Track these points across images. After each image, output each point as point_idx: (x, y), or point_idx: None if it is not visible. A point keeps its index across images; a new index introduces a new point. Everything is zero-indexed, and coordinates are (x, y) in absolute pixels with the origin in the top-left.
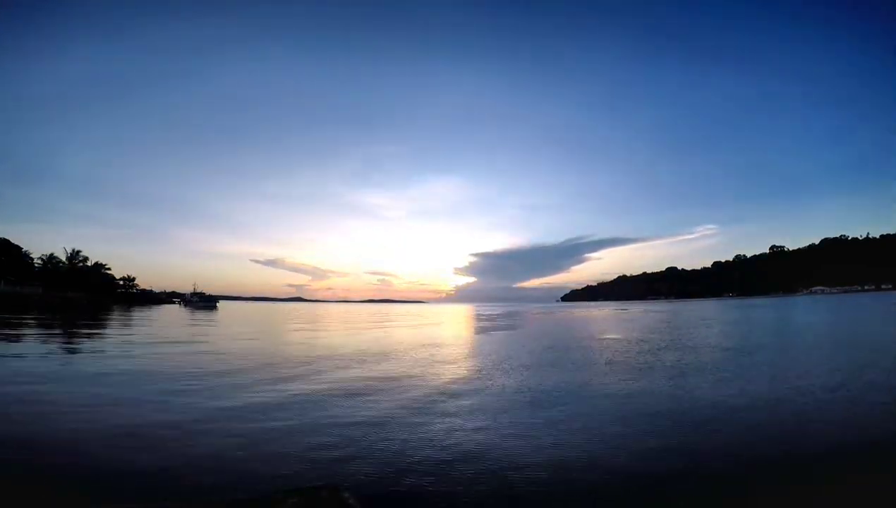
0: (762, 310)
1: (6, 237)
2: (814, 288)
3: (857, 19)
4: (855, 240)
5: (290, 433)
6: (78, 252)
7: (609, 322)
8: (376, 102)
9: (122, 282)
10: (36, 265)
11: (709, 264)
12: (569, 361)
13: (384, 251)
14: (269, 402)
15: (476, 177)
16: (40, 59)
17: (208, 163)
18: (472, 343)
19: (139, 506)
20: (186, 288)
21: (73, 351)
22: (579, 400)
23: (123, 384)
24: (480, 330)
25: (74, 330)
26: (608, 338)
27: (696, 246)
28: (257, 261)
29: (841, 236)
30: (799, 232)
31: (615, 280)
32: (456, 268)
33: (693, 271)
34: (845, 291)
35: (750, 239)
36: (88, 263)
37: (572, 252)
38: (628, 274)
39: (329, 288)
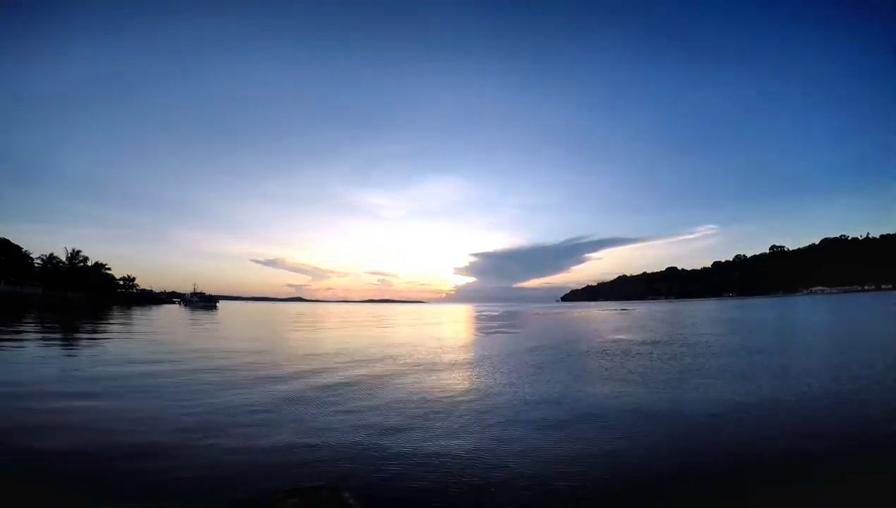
0: (762, 310)
1: (6, 237)
2: (814, 289)
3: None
4: (855, 240)
5: (291, 434)
6: (78, 252)
7: (611, 323)
8: (376, 102)
9: (122, 282)
10: (36, 265)
11: (709, 264)
12: (569, 363)
13: (384, 251)
14: (273, 402)
15: (476, 177)
16: (40, 59)
17: (208, 163)
18: (472, 345)
19: (139, 506)
20: (186, 288)
21: (73, 352)
22: (582, 405)
23: (124, 384)
24: (480, 332)
25: (74, 330)
26: (611, 340)
27: (696, 246)
28: (257, 261)
29: (841, 236)
30: (799, 232)
31: (615, 280)
32: (456, 268)
33: (693, 271)
34: (845, 291)
35: (750, 239)
36: (88, 263)
37: (572, 252)
38: (628, 274)
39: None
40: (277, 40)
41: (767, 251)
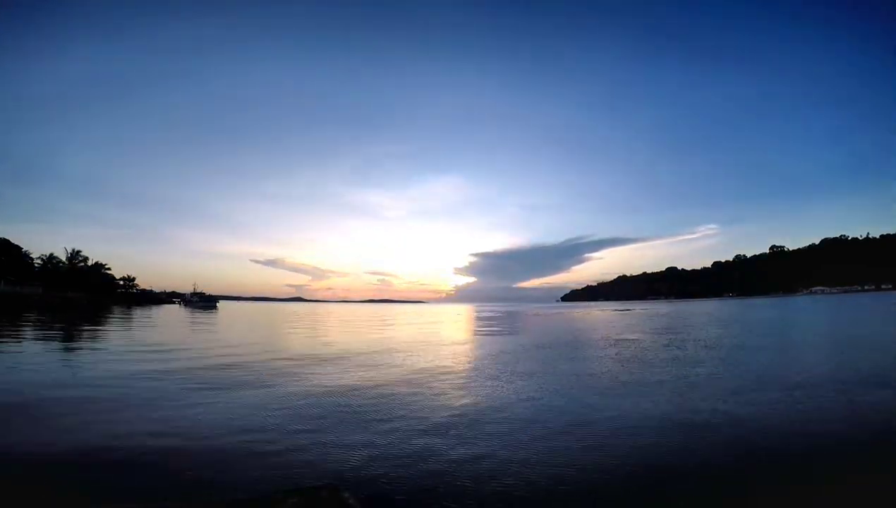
0: (763, 310)
1: (6, 237)
2: (814, 288)
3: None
4: (855, 240)
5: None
6: (78, 252)
7: (614, 324)
8: (376, 102)
9: (122, 282)
10: (36, 265)
11: (709, 264)
12: (570, 363)
13: (384, 251)
14: (278, 402)
15: (476, 177)
16: (40, 59)
17: (208, 163)
18: (473, 347)
19: (139, 506)
20: (186, 288)
21: (74, 353)
22: (582, 405)
23: (124, 384)
24: (480, 333)
25: (75, 331)
26: (615, 342)
27: (697, 246)
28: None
29: (841, 236)
30: (799, 232)
31: (615, 280)
32: (456, 268)
33: (693, 271)
34: (845, 291)
35: (750, 239)
36: (88, 263)
37: (572, 252)
38: (628, 274)
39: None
40: (277, 40)
41: (767, 251)
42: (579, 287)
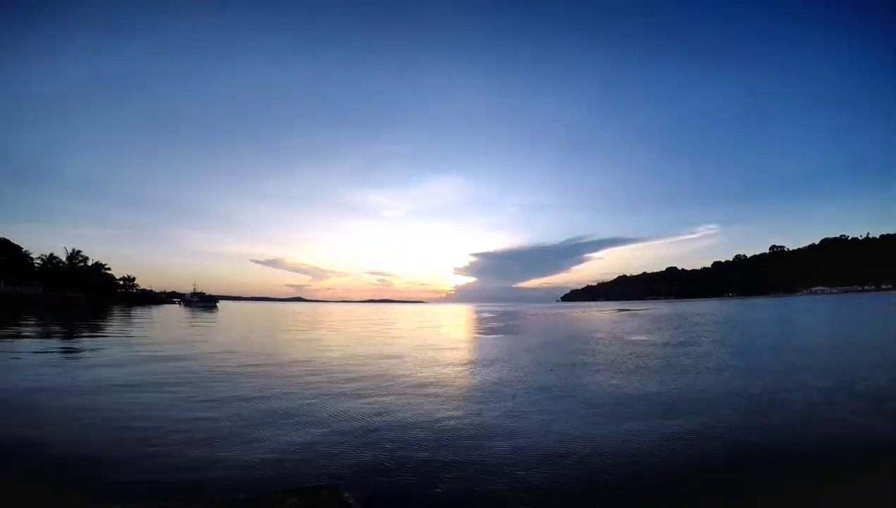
0: (763, 310)
1: (6, 237)
2: (814, 288)
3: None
4: (855, 240)
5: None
6: (78, 252)
7: (617, 325)
8: (376, 102)
9: (122, 282)
10: (36, 265)
11: (709, 264)
12: (571, 362)
13: (384, 251)
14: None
15: (476, 177)
16: (40, 59)
17: (208, 163)
18: (474, 349)
19: (139, 506)
20: (186, 288)
21: (73, 352)
22: (580, 400)
23: (124, 384)
24: (482, 334)
25: (75, 331)
26: (620, 343)
27: (697, 246)
28: (257, 261)
29: (841, 236)
30: (799, 232)
31: (615, 280)
32: (456, 268)
33: (693, 271)
34: (845, 291)
35: (750, 239)
36: (88, 263)
37: (572, 252)
38: (628, 274)
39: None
40: (277, 40)
41: (767, 251)
42: (579, 287)
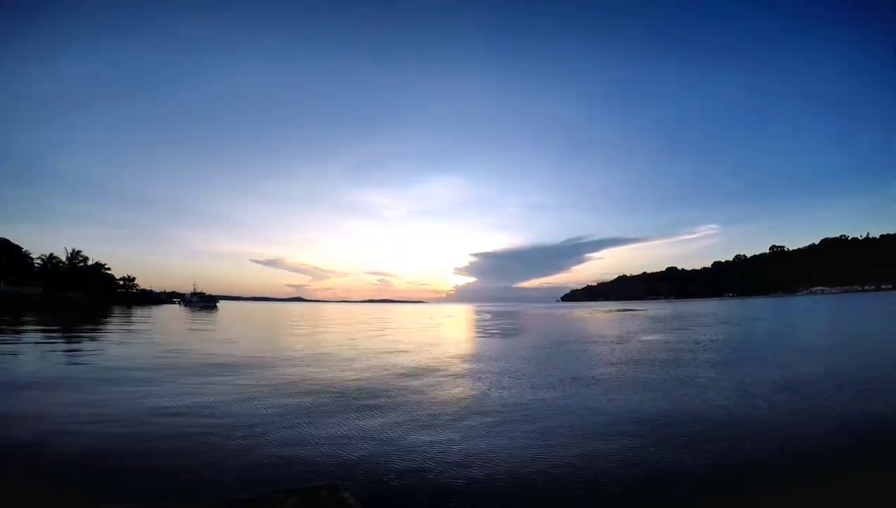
0: (763, 310)
1: (6, 237)
2: (814, 288)
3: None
4: (855, 240)
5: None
6: (78, 252)
7: (620, 326)
8: (376, 102)
9: (122, 282)
10: (36, 265)
11: (709, 264)
12: (562, 358)
13: (384, 251)
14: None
15: (476, 177)
16: (40, 59)
17: (208, 163)
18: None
19: (139, 506)
20: (186, 288)
21: (73, 353)
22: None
23: (124, 384)
24: (483, 334)
25: (73, 331)
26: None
27: (697, 246)
28: (257, 261)
29: (841, 236)
30: (799, 232)
31: (615, 280)
32: (456, 268)
33: (693, 271)
34: (845, 291)
35: (750, 239)
36: (88, 263)
37: (572, 252)
38: (628, 274)
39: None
40: (278, 40)
41: (767, 251)
42: (579, 287)
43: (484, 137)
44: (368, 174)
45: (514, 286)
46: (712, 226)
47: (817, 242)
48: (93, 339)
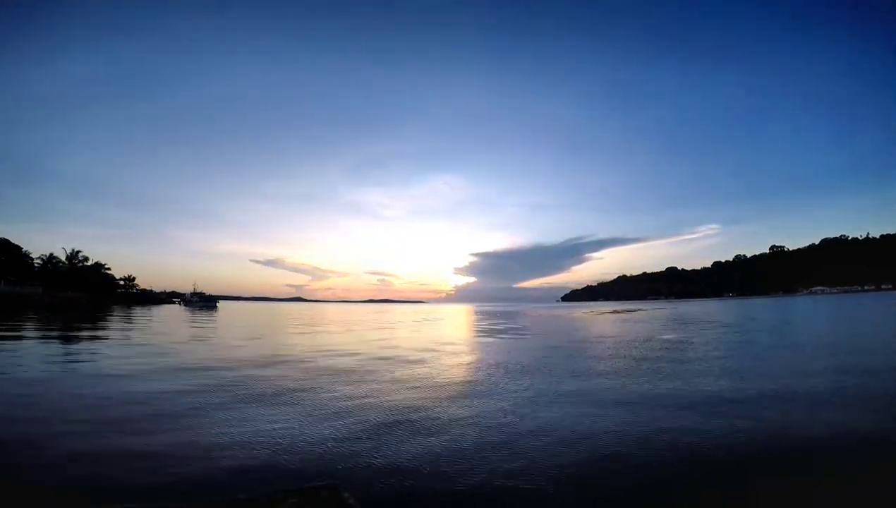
0: (763, 309)
1: (6, 237)
2: (814, 288)
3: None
4: (855, 240)
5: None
6: (78, 252)
7: (624, 325)
8: (376, 102)
9: (122, 282)
10: (36, 265)
11: (709, 264)
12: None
13: (384, 251)
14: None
15: (476, 177)
16: (40, 59)
17: (208, 164)
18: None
19: (139, 506)
20: (186, 288)
21: (73, 353)
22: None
23: (123, 384)
24: (484, 334)
25: (73, 331)
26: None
27: (697, 246)
28: (257, 261)
29: (841, 236)
30: (799, 232)
31: (615, 280)
32: (456, 268)
33: (693, 271)
34: (845, 291)
35: (750, 239)
36: (88, 263)
37: (572, 252)
38: (628, 274)
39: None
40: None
41: (767, 251)
42: (579, 287)
43: (484, 137)
44: (368, 174)
45: (514, 286)
46: (712, 226)
47: (817, 242)
48: (92, 339)
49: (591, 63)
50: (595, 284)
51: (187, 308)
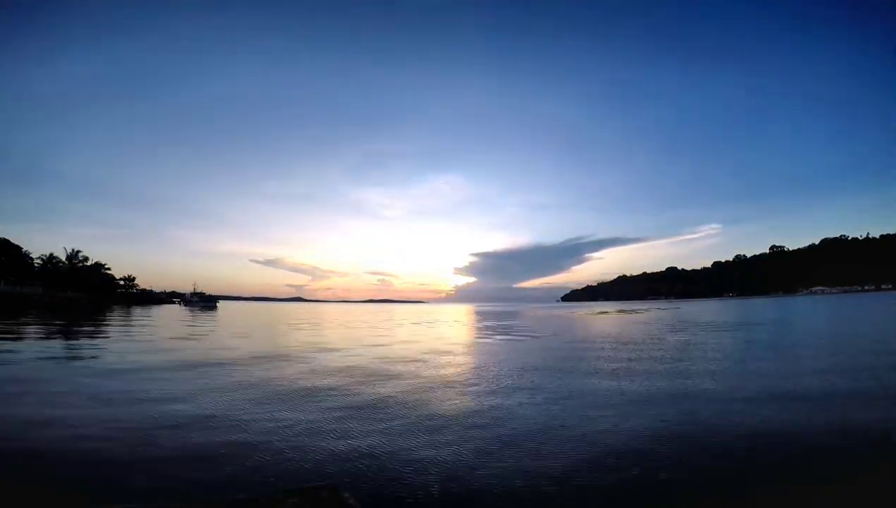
0: (762, 309)
1: (6, 237)
2: (814, 288)
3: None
4: (855, 240)
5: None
6: (78, 252)
7: (626, 326)
8: (377, 102)
9: (122, 282)
10: (36, 265)
11: (709, 264)
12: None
13: (384, 251)
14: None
15: (476, 177)
16: (40, 59)
17: (208, 164)
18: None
19: (139, 506)
20: (186, 288)
21: (73, 352)
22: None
23: (123, 384)
24: (484, 335)
25: (72, 331)
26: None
27: (697, 246)
28: (257, 261)
29: (841, 236)
30: (799, 232)
31: (615, 280)
32: (456, 268)
33: (693, 271)
34: (845, 291)
35: (750, 239)
36: (88, 263)
37: (572, 252)
38: (628, 274)
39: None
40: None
41: (767, 251)
42: (579, 287)
43: (484, 137)
44: (368, 174)
45: (514, 286)
46: (712, 225)
47: (817, 242)
48: (92, 339)
49: (591, 63)
50: (595, 284)
51: (187, 308)
